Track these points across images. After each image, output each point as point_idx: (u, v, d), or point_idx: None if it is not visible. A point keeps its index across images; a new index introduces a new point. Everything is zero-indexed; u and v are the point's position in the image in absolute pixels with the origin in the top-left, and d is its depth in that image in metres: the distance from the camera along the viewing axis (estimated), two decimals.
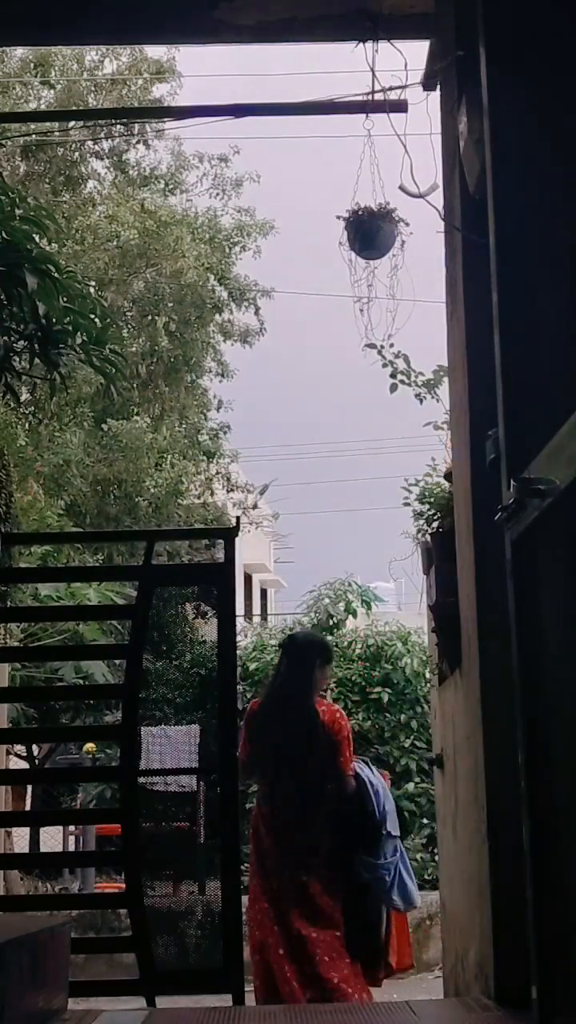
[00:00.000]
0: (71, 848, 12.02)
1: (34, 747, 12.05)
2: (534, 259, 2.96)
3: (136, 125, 12.80)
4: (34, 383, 4.92)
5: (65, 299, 4.39)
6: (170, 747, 10.59)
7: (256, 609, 26.14)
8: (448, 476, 4.70)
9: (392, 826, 4.77)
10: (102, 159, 16.75)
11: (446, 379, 4.68)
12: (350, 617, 13.32)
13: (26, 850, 11.16)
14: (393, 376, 5.03)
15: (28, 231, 4.31)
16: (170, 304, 15.66)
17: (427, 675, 9.71)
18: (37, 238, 4.37)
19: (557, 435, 2.44)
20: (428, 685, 9.40)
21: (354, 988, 4.55)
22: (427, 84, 4.78)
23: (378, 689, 11.92)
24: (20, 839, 11.18)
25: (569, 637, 2.49)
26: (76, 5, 4.80)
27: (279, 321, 18.04)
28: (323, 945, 4.58)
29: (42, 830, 12.24)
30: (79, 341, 4.51)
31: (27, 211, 4.43)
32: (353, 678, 12.09)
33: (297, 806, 4.69)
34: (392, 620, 13.16)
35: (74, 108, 15.16)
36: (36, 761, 12.12)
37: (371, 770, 4.90)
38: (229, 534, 5.19)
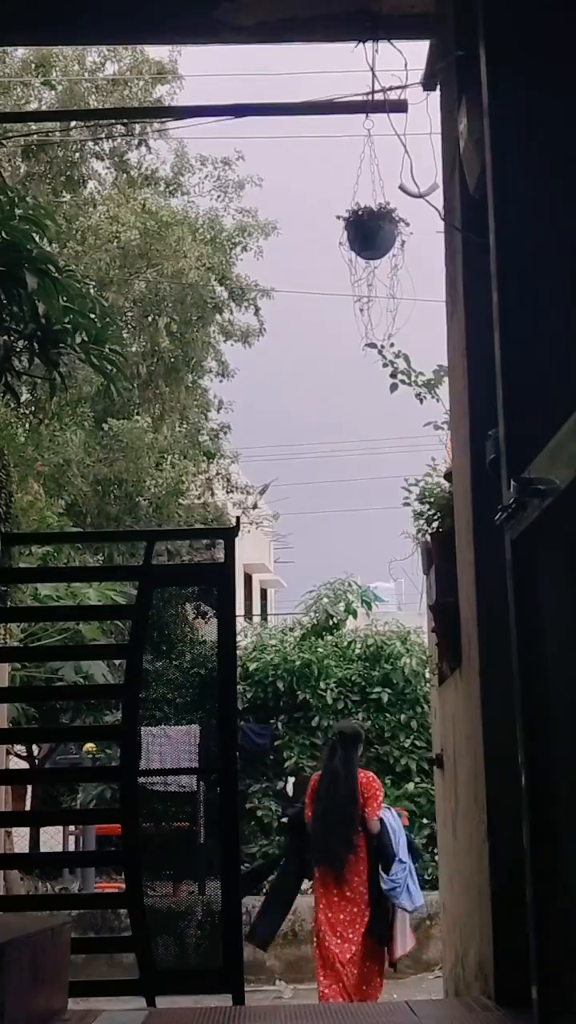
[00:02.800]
0: (71, 848, 12.03)
1: (34, 747, 12.05)
2: (534, 259, 2.96)
3: (137, 126, 12.80)
4: (34, 383, 4.92)
5: (65, 299, 4.39)
6: (170, 747, 10.59)
7: (256, 609, 26.11)
8: (448, 476, 4.70)
9: (403, 854, 6.77)
10: (103, 160, 16.76)
11: (446, 379, 4.67)
12: (350, 617, 13.32)
13: (26, 850, 11.17)
14: (393, 376, 5.02)
15: (28, 231, 4.30)
16: (171, 304, 15.66)
17: (427, 675, 9.72)
18: (37, 238, 4.37)
19: (557, 435, 2.44)
20: (428, 685, 9.41)
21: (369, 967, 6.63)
22: (427, 84, 4.77)
23: (378, 689, 11.92)
24: (20, 839, 11.19)
25: (569, 637, 2.49)
26: (76, 5, 4.80)
27: (280, 321, 18.03)
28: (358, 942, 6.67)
29: (42, 830, 12.24)
30: (79, 341, 4.50)
31: (27, 211, 4.43)
32: (353, 678, 12.09)
33: (342, 845, 6.73)
34: (392, 620, 13.16)
35: (75, 108, 15.15)
36: (36, 761, 12.12)
37: (392, 815, 6.99)
38: (229, 534, 5.19)
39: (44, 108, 15.35)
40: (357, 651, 12.39)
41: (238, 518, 6.32)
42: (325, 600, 13.19)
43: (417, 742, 11.48)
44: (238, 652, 6.51)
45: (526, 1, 3.15)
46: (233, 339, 16.94)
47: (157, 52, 16.07)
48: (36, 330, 4.36)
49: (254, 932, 7.09)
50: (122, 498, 15.04)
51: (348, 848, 6.68)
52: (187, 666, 12.27)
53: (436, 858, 7.21)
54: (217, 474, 16.76)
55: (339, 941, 6.62)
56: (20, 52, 15.42)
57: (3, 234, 4.23)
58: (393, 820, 6.96)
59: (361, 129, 4.78)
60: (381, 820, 6.80)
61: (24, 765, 11.91)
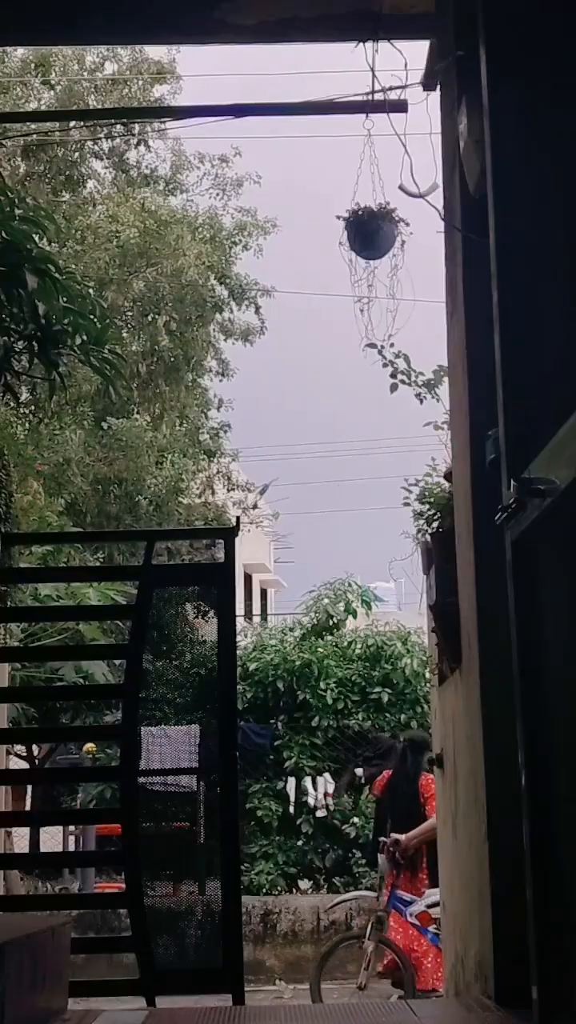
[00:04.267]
0: (71, 848, 12.04)
1: (34, 747, 12.05)
2: (534, 259, 2.96)
3: (136, 125, 12.80)
4: (34, 383, 4.92)
5: (65, 299, 4.38)
6: (170, 747, 10.60)
7: (256, 609, 26.12)
8: (448, 476, 4.70)
9: None
10: (102, 159, 16.75)
11: (446, 379, 4.67)
12: (350, 617, 13.31)
13: (26, 850, 11.17)
14: (393, 376, 5.01)
15: (28, 231, 4.30)
16: (170, 303, 15.66)
17: (427, 675, 9.71)
18: (37, 238, 4.37)
19: (557, 435, 2.44)
20: (428, 685, 9.41)
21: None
22: (427, 84, 4.77)
23: (378, 689, 11.92)
24: (20, 839, 11.19)
25: (569, 637, 2.49)
26: (76, 5, 4.80)
27: (280, 320, 18.02)
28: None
29: (42, 830, 12.24)
30: (78, 341, 4.50)
31: (27, 211, 4.43)
32: (353, 678, 12.09)
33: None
34: (392, 620, 13.15)
35: (74, 108, 15.15)
36: (36, 761, 12.12)
37: None
38: (229, 534, 5.19)
39: (43, 108, 15.35)
40: (357, 651, 12.38)
41: (238, 518, 6.32)
42: (325, 600, 13.17)
43: None
44: (238, 652, 6.51)
45: (526, 1, 3.15)
46: (233, 338, 16.94)
47: (156, 52, 16.08)
48: (36, 330, 4.35)
49: None
50: (122, 497, 15.04)
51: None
52: (187, 666, 12.27)
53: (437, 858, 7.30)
54: (217, 473, 16.76)
55: (403, 922, 7.76)
56: (20, 52, 15.41)
57: (3, 234, 4.23)
58: None
59: (361, 129, 4.79)
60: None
61: (24, 765, 11.91)
